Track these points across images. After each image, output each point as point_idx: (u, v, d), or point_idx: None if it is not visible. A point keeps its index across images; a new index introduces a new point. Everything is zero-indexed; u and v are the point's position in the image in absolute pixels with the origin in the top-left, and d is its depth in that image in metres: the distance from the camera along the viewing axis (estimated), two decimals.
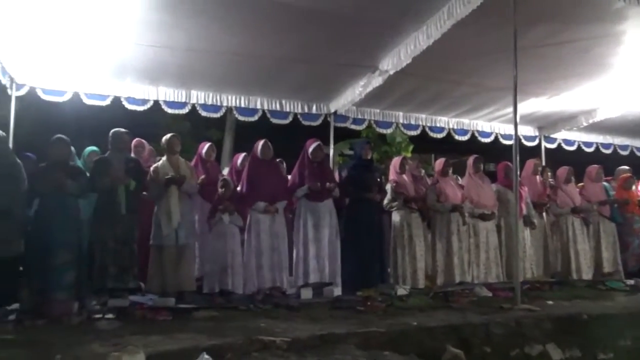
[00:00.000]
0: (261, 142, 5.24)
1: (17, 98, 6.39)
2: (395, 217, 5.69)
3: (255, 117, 7.30)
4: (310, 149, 5.36)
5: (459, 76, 6.45)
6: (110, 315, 4.21)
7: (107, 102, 6.66)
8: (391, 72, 5.81)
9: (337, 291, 5.10)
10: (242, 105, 7.18)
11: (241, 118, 7.38)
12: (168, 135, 5.11)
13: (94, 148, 5.59)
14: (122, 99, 6.68)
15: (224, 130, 12.46)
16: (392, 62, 5.71)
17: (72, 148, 4.97)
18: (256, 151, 5.23)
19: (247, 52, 5.76)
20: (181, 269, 4.79)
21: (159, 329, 3.75)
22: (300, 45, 5.56)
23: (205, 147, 5.82)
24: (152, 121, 8.69)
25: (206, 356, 2.95)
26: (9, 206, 4.23)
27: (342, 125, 7.69)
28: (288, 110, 7.38)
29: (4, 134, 4.52)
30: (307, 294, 4.99)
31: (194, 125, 11.04)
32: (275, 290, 5.07)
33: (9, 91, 6.25)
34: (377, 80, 6.12)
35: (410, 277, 5.52)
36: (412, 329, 3.74)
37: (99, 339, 3.45)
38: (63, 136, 4.57)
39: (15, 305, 4.31)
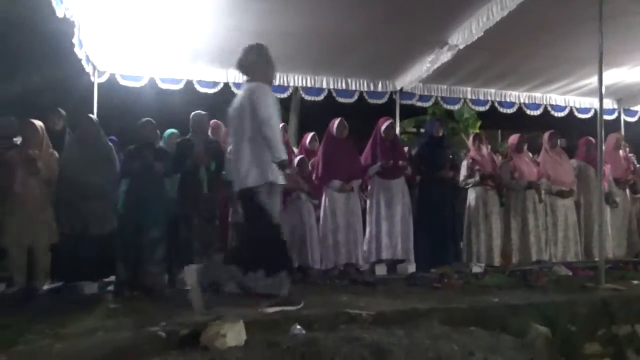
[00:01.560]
0: (337, 121, 5.29)
1: (99, 85, 6.76)
2: (471, 194, 5.63)
3: (321, 97, 7.35)
4: (383, 128, 5.37)
5: (533, 48, 6.19)
6: None
7: (181, 85, 6.92)
8: (461, 47, 5.67)
9: (411, 268, 5.14)
10: (308, 85, 7.23)
11: (307, 98, 7.44)
12: None
13: (174, 130, 5.83)
14: (194, 82, 6.90)
15: (287, 110, 12.61)
16: (463, 36, 5.57)
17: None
18: (332, 129, 5.30)
19: (314, 32, 5.78)
20: None
21: (245, 301, 3.93)
22: (367, 22, 5.52)
23: None
24: (219, 103, 8.92)
25: (298, 326, 3.09)
26: (104, 187, 4.55)
27: (408, 102, 7.60)
28: (354, 88, 7.36)
29: (96, 119, 4.81)
30: (381, 270, 5.07)
31: None
32: (349, 266, 5.18)
33: (92, 78, 6.62)
34: (445, 56, 5.99)
35: (485, 255, 5.46)
36: (495, 306, 3.73)
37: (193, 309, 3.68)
38: (150, 119, 4.82)
39: (112, 278, 4.67)
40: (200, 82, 6.92)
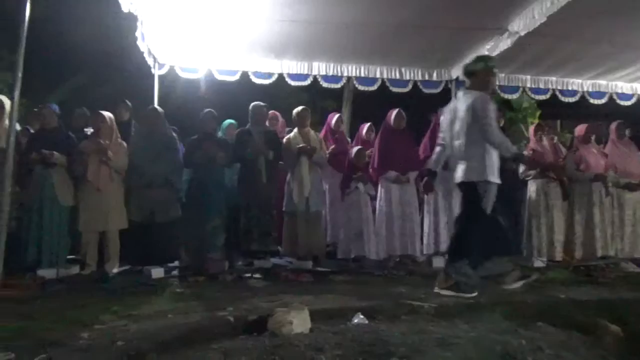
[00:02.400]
0: (395, 111, 5.26)
1: (160, 77, 6.99)
2: (532, 186, 5.45)
3: (375, 87, 7.30)
4: (443, 118, 5.27)
5: (598, 34, 5.90)
6: (257, 275, 4.57)
7: (237, 77, 7.04)
8: (522, 34, 5.48)
9: None
10: (362, 75, 7.19)
11: (361, 88, 7.40)
12: (299, 108, 5.32)
13: (232, 121, 5.97)
14: (249, 74, 7.01)
15: (340, 100, 12.63)
16: (524, 22, 5.37)
17: None
18: (389, 120, 5.27)
19: (368, 21, 5.73)
20: (312, 235, 5.05)
21: (306, 290, 4.02)
22: (422, 10, 5.41)
23: (334, 118, 5.96)
24: (272, 94, 9.04)
25: (361, 316, 3.12)
26: (169, 175, 4.72)
27: None
28: (408, 78, 7.26)
29: (161, 110, 4.99)
30: (439, 262, 5.02)
31: (311, 97, 11.31)
32: (405, 257, 5.16)
33: (152, 70, 6.85)
34: (505, 43, 5.81)
35: (547, 249, 5.30)
36: (561, 302, 3.63)
37: (256, 296, 3.80)
38: (212, 110, 4.95)
39: (176, 263, 4.86)
40: (255, 73, 7.02)
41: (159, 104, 6.92)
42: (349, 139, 6.40)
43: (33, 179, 4.50)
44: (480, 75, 3.85)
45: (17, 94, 3.51)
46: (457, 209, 5.18)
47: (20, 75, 3.49)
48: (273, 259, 5.13)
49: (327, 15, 5.63)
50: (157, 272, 4.49)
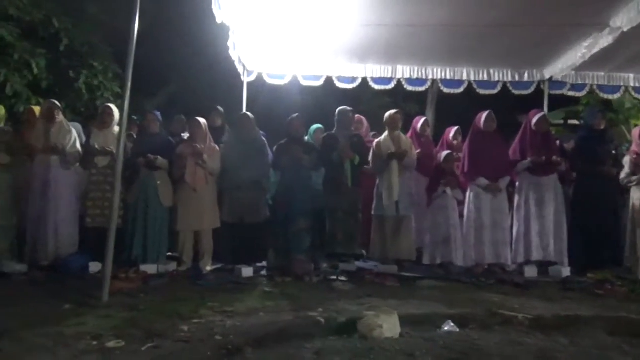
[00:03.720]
0: (485, 114, 5.10)
1: (248, 83, 7.29)
2: (635, 193, 5.04)
3: (461, 89, 7.12)
4: (535, 120, 5.05)
5: None
6: (342, 278, 4.62)
7: (321, 82, 7.18)
8: (625, 29, 5.08)
9: (565, 271, 4.79)
10: (447, 77, 7.05)
11: (446, 90, 7.26)
12: (391, 111, 5.32)
13: (320, 125, 6.08)
14: (333, 78, 7.12)
15: (423, 103, 12.45)
16: (628, 17, 4.98)
17: None
18: (479, 123, 5.12)
19: (453, 22, 5.60)
20: (401, 239, 5.00)
21: (392, 294, 4.02)
22: (514, 8, 5.19)
23: (420, 121, 5.88)
24: (355, 97, 9.12)
25: (452, 324, 3.06)
26: (259, 178, 4.92)
27: (558, 92, 7.03)
28: (496, 79, 7.01)
29: (252, 115, 5.20)
30: (531, 272, 4.80)
31: (394, 100, 11.26)
32: (495, 266, 4.98)
33: (242, 77, 7.17)
34: (606, 40, 5.42)
35: None
36: None
37: (343, 298, 3.85)
38: (299, 115, 5.09)
39: (264, 263, 5.04)
40: (339, 78, 7.12)
41: (247, 110, 7.25)
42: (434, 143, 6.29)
43: (138, 181, 4.86)
44: None
45: (126, 103, 3.82)
46: (551, 216, 4.95)
47: (129, 85, 3.78)
48: (357, 262, 5.16)
49: (412, 18, 5.58)
50: (247, 272, 4.68)
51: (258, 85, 7.51)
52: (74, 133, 4.95)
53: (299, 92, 8.43)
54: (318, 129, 5.95)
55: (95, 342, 2.77)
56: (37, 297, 3.76)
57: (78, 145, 4.93)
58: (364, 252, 5.31)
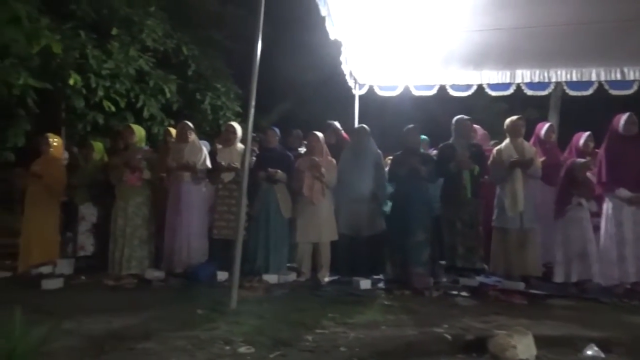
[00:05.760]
0: (624, 116, 4.62)
1: (359, 97, 7.37)
2: None
3: (590, 91, 6.58)
4: None
5: None
6: (464, 293, 4.42)
7: (434, 91, 7.04)
8: None
9: None
10: (574, 79, 6.55)
11: (572, 93, 6.73)
12: (513, 118, 5.05)
13: (424, 137, 5.96)
14: (447, 87, 6.95)
15: (542, 108, 11.67)
16: None
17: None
18: (617, 126, 4.64)
19: (580, 20, 5.21)
20: (526, 253, 4.69)
21: (521, 312, 3.76)
22: None
23: (544, 127, 5.49)
24: (468, 105, 8.81)
25: (595, 348, 2.78)
26: (375, 190, 4.92)
27: None
28: (632, 78, 6.38)
29: (368, 128, 5.24)
30: None
31: (511, 106, 10.70)
32: (638, 285, 4.45)
33: (353, 91, 7.27)
34: None
35: None
36: None
37: (467, 315, 3.68)
38: (416, 126, 5.02)
39: (381, 276, 5.00)
40: (453, 86, 6.94)
41: (359, 122, 7.32)
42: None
43: (259, 194, 5.11)
44: None
45: (251, 121, 4.03)
46: None
47: (253, 103, 3.99)
48: (478, 277, 4.91)
49: (532, 19, 5.29)
50: (365, 284, 4.67)
51: (368, 98, 7.57)
52: (204, 151, 5.34)
53: (408, 103, 8.32)
54: (424, 140, 5.83)
55: (227, 347, 2.92)
56: (173, 302, 4.08)
57: (208, 162, 5.31)
58: (485, 266, 5.04)
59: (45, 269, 5.13)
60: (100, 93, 6.39)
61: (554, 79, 6.61)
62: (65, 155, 5.93)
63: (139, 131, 5.44)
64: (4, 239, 6.41)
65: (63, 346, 2.81)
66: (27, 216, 5.32)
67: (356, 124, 7.08)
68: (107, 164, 5.54)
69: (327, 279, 4.98)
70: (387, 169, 5.25)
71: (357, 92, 7.31)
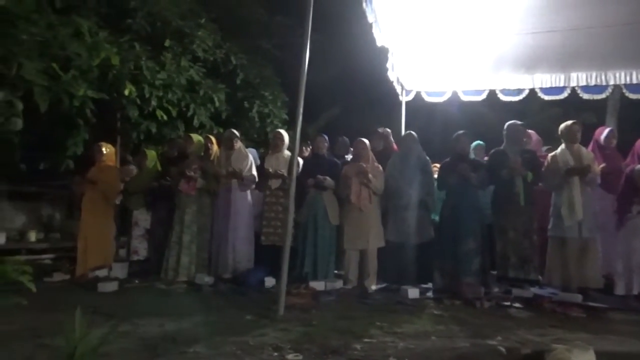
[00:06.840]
0: None
1: (406, 103, 7.29)
2: None
3: None
4: None
5: None
6: (517, 304, 4.26)
7: (483, 96, 6.88)
8: None
9: None
10: (634, 81, 6.24)
11: (632, 96, 6.41)
12: (568, 122, 4.86)
13: (480, 142, 5.81)
14: (497, 92, 6.77)
15: (600, 112, 11.17)
16: None
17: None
18: None
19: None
20: (585, 264, 4.48)
21: (580, 326, 3.59)
22: None
23: (604, 132, 5.25)
24: (520, 110, 8.55)
25: None
26: (424, 197, 4.84)
27: None
28: None
29: (415, 135, 5.17)
30: None
31: (564, 111, 10.30)
32: None
33: (400, 97, 7.20)
34: None
35: None
36: None
37: (522, 327, 3.55)
38: (466, 132, 4.91)
39: (429, 285, 4.89)
40: (503, 91, 6.76)
41: (406, 129, 7.23)
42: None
43: (307, 200, 5.12)
44: None
45: (298, 129, 4.04)
46: None
47: (301, 110, 4.00)
48: (532, 288, 4.72)
49: (588, 20, 5.10)
50: (413, 292, 4.58)
51: (416, 104, 7.48)
52: (251, 158, 5.42)
53: (456, 108, 8.17)
54: (479, 145, 5.68)
55: (276, 354, 2.92)
56: (222, 307, 4.14)
57: (254, 169, 5.38)
58: (539, 277, 4.84)
59: (101, 272, 5.33)
60: (154, 103, 6.60)
61: (612, 82, 6.33)
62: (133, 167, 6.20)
63: (198, 140, 5.59)
64: (66, 243, 6.74)
65: (119, 348, 2.90)
66: (84, 221, 5.54)
67: (403, 131, 7.05)
68: (165, 173, 5.72)
69: (374, 287, 4.93)
70: (435, 176, 5.16)
71: (404, 99, 7.24)
